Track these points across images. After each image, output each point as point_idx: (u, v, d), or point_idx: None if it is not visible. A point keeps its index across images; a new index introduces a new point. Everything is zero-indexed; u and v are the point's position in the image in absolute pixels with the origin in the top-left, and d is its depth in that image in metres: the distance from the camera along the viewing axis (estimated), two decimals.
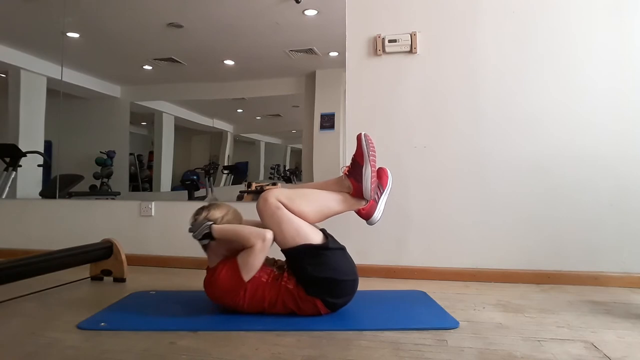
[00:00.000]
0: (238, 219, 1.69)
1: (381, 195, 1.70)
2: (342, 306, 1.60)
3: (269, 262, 1.66)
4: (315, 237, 1.56)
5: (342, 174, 1.70)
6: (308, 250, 1.53)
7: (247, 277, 1.52)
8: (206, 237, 1.56)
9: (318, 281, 1.52)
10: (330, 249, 1.56)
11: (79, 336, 1.40)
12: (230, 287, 1.53)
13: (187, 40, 2.91)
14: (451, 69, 2.34)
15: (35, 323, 1.54)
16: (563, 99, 2.22)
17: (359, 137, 1.68)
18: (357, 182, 1.63)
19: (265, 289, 1.55)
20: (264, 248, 1.51)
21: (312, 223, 1.62)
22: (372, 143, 1.67)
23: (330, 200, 1.65)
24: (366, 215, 1.68)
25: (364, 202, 1.67)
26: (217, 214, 1.63)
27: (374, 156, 1.65)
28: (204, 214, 1.63)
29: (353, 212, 1.72)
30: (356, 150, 1.67)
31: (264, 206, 1.56)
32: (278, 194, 1.58)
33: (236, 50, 2.89)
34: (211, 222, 1.58)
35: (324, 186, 1.71)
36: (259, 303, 1.55)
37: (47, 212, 2.87)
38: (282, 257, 1.69)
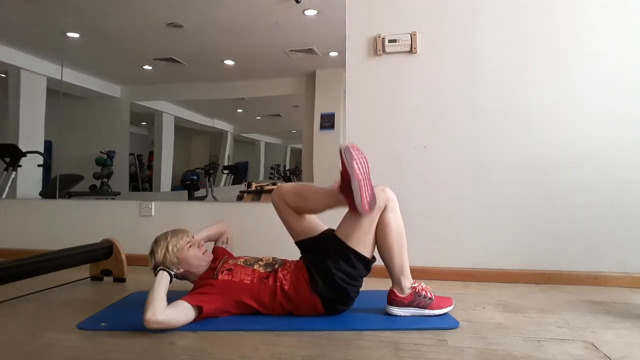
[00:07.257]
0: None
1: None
2: (341, 312, 1.60)
3: (249, 262, 1.64)
4: (368, 250, 1.57)
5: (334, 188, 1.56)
6: (353, 254, 1.54)
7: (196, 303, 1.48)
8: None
9: (334, 285, 1.52)
10: (369, 266, 1.58)
11: (79, 336, 1.40)
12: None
13: (187, 40, 2.91)
14: (451, 69, 2.33)
15: (35, 323, 1.55)
16: (563, 99, 2.22)
17: (339, 152, 1.48)
18: (348, 197, 1.49)
19: (252, 290, 1.54)
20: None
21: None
22: (357, 151, 1.48)
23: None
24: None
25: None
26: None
27: (362, 164, 1.47)
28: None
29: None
30: (341, 165, 1.49)
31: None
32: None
33: (236, 50, 2.89)
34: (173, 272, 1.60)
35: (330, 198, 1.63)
36: (247, 306, 1.54)
37: (47, 212, 2.87)
38: (279, 254, 1.70)
